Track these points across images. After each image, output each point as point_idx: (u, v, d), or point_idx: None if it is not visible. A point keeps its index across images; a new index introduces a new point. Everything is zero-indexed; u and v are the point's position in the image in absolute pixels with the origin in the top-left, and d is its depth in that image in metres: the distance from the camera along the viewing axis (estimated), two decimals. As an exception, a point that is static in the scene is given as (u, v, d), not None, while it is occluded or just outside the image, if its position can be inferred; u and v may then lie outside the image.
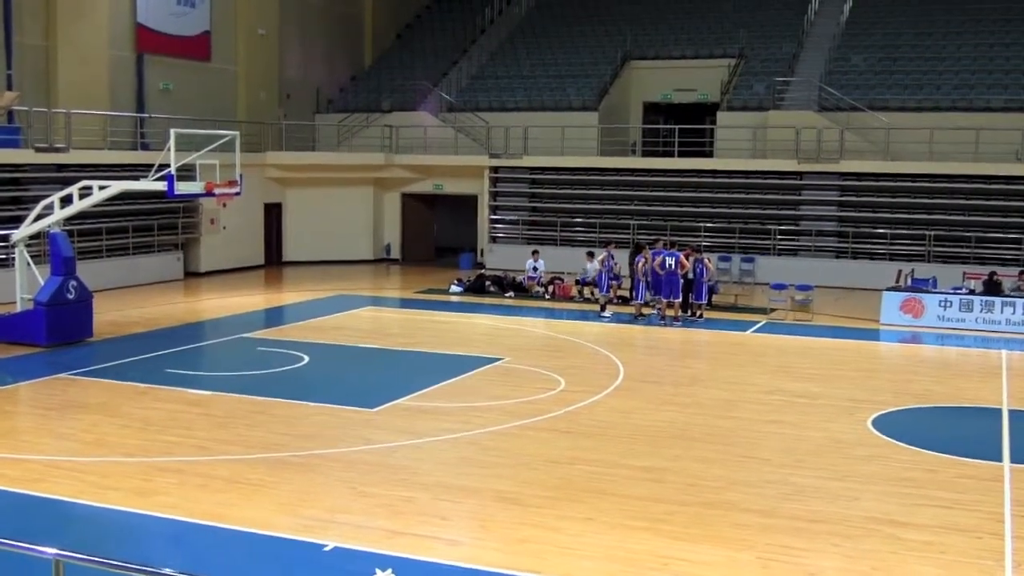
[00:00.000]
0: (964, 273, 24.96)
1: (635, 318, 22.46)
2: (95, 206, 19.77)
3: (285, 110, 35.25)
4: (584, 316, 23.22)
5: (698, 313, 22.63)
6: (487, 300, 25.65)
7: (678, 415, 14.37)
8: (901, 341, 21.38)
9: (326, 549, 9.21)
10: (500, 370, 17.25)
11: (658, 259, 21.97)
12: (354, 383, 16.71)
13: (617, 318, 22.69)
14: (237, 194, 19.48)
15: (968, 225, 27.92)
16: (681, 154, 31.16)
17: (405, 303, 26.04)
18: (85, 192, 18.78)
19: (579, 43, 37.24)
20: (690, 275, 22.24)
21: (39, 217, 18.96)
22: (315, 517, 9.98)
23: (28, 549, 5.53)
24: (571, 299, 25.48)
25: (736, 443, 12.96)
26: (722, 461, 12.12)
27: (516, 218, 32.79)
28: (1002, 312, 21.80)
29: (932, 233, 27.92)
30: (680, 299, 22.16)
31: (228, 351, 19.21)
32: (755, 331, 21.63)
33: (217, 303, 24.70)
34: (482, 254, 32.64)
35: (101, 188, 18.74)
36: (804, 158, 29.36)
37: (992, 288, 22.75)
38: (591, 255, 25.14)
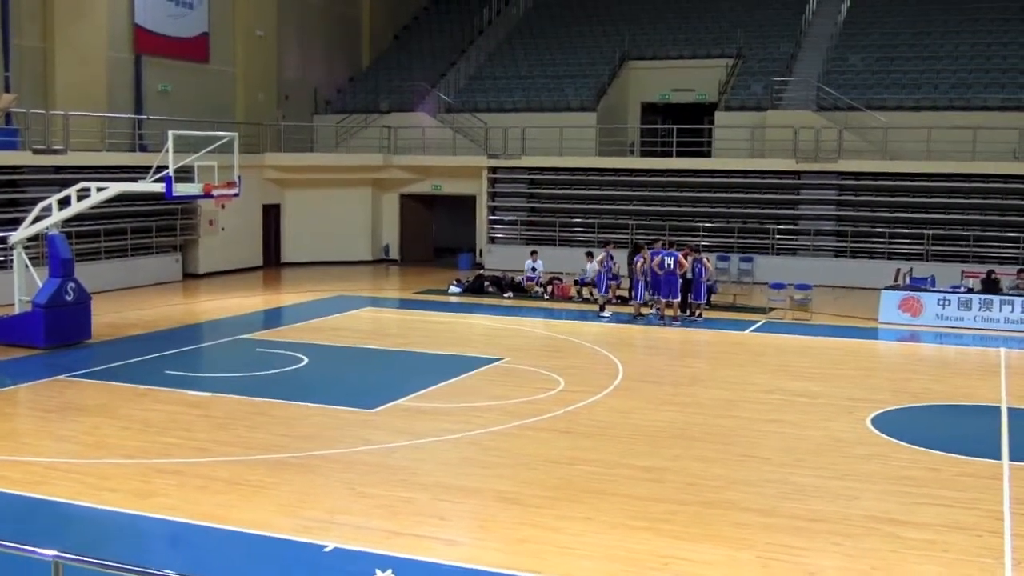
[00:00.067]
0: (962, 272, 24.99)
1: (634, 318, 22.46)
2: (93, 208, 19.75)
3: (283, 111, 35.24)
4: (583, 316, 23.22)
5: (697, 313, 22.63)
6: (486, 300, 25.65)
7: (678, 415, 14.37)
8: (900, 340, 21.39)
9: (326, 550, 9.20)
10: (499, 370, 17.25)
11: (657, 259, 21.97)
12: (353, 384, 16.70)
13: (616, 318, 22.69)
14: (235, 195, 19.47)
15: (966, 224, 27.94)
16: (679, 154, 31.17)
17: (404, 304, 26.04)
18: (83, 194, 18.77)
19: (577, 43, 37.24)
20: (689, 275, 22.25)
21: (37, 219, 18.95)
22: (315, 518, 9.98)
23: (27, 551, 5.52)
24: (570, 299, 25.48)
25: (736, 442, 12.96)
26: (722, 460, 12.12)
27: (515, 218, 32.80)
28: (1000, 310, 21.81)
29: (930, 232, 27.94)
30: (679, 299, 22.16)
31: (227, 352, 19.20)
32: (754, 331, 21.64)
33: (216, 304, 24.69)
34: (481, 254, 32.65)
35: (99, 190, 18.73)
36: (802, 158, 29.37)
37: (990, 286, 22.77)
38: (590, 255, 25.15)
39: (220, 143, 19.07)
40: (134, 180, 19.93)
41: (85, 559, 5.34)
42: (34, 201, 20.32)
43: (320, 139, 35.35)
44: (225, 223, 29.48)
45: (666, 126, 32.60)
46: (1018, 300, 21.77)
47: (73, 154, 25.29)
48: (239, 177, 19.52)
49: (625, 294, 24.04)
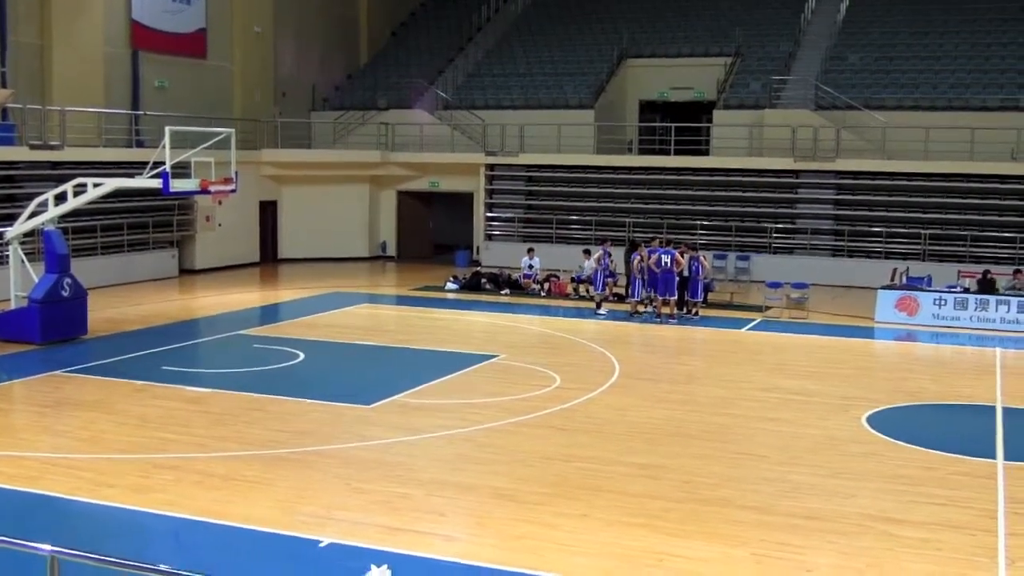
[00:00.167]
0: (959, 271, 25.02)
1: (631, 315, 22.48)
2: (90, 203, 19.75)
3: (280, 108, 35.20)
4: (580, 314, 23.23)
5: (694, 311, 22.65)
6: (483, 297, 25.65)
7: (674, 412, 14.39)
8: (896, 339, 21.42)
9: (322, 545, 9.22)
10: (496, 367, 17.26)
11: (654, 257, 21.98)
12: (350, 380, 16.72)
13: (612, 316, 22.71)
14: (232, 191, 19.47)
15: (963, 224, 27.97)
16: (677, 152, 31.18)
17: (401, 300, 26.04)
18: (80, 190, 18.75)
19: (575, 41, 37.23)
20: (685, 273, 22.26)
21: (33, 215, 18.92)
22: (311, 514, 9.99)
23: (24, 546, 5.53)
24: (567, 297, 25.50)
25: (732, 440, 12.98)
26: (718, 458, 12.14)
27: (512, 216, 32.79)
28: (996, 310, 21.84)
29: (927, 232, 27.97)
30: (676, 297, 22.18)
31: (224, 348, 19.21)
32: (751, 329, 21.66)
33: (213, 300, 24.68)
34: (478, 251, 32.64)
35: (96, 185, 18.72)
36: (800, 157, 29.39)
37: (986, 286, 22.80)
38: (588, 253, 25.15)
39: (217, 139, 19.07)
40: (131, 176, 19.93)
41: (81, 554, 5.35)
42: (30, 197, 20.29)
43: (317, 136, 35.33)
44: (222, 219, 29.47)
45: (664, 124, 32.61)
46: (1014, 300, 21.80)
47: (70, 150, 25.26)
48: (236, 173, 19.51)
49: (622, 292, 24.04)
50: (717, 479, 11.31)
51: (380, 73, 37.69)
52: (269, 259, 32.37)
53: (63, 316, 18.46)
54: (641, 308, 22.60)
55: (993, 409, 14.93)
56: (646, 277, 22.21)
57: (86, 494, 10.47)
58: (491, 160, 32.46)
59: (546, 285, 26.06)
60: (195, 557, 9.10)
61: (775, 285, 24.04)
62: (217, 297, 25.09)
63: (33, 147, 24.61)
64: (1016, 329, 21.44)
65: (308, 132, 35.39)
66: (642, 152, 33.62)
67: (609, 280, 23.87)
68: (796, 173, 29.86)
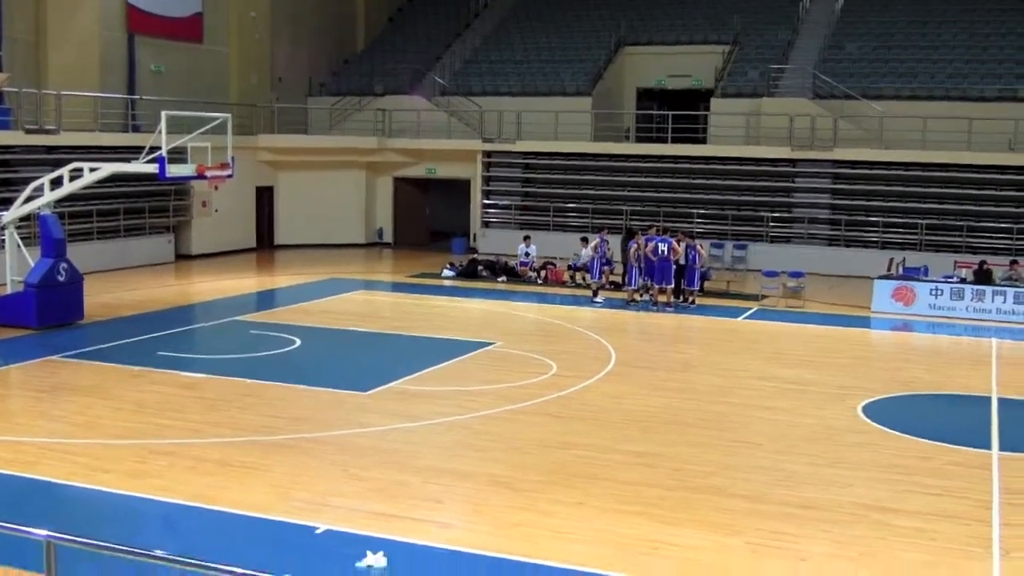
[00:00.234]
0: (955, 262, 25.02)
1: (627, 303, 22.48)
2: (86, 188, 19.68)
3: (277, 93, 35.08)
4: (576, 301, 23.23)
5: (690, 299, 22.65)
6: (480, 285, 25.64)
7: (670, 400, 14.41)
8: (892, 329, 21.44)
9: (318, 532, 9.23)
10: (492, 354, 17.27)
11: (650, 245, 21.97)
12: (346, 366, 16.71)
13: (609, 303, 22.71)
14: (229, 177, 19.42)
15: (960, 214, 27.96)
16: (674, 140, 31.13)
17: (397, 287, 26.01)
18: (76, 174, 18.70)
19: (573, 28, 37.13)
20: (682, 261, 22.26)
21: (29, 199, 18.87)
22: (307, 500, 9.99)
23: (19, 531, 5.52)
24: (563, 284, 25.49)
25: (728, 428, 13.00)
26: (713, 446, 12.16)
27: (509, 203, 32.75)
28: (992, 301, 21.86)
29: (924, 222, 27.96)
30: (672, 285, 22.18)
31: (220, 334, 19.19)
32: (747, 317, 21.67)
33: (209, 286, 24.65)
34: (475, 239, 32.61)
35: (92, 170, 18.66)
36: (797, 145, 29.37)
37: (983, 277, 22.80)
38: (585, 240, 25.13)
39: (213, 124, 19.01)
40: (127, 161, 19.87)
41: (77, 539, 5.35)
42: (26, 181, 20.22)
43: (314, 121, 35.22)
44: (218, 204, 29.40)
45: (661, 112, 32.54)
46: (1010, 291, 21.82)
47: (66, 134, 25.18)
48: (232, 158, 19.46)
49: (618, 280, 24.04)
50: (712, 467, 11.33)
51: (377, 59, 37.57)
52: (265, 245, 32.32)
53: (59, 301, 18.43)
54: (638, 296, 22.60)
55: (989, 399, 14.96)
56: (643, 265, 22.21)
57: (82, 479, 10.47)
58: (488, 147, 32.40)
59: (543, 273, 26.05)
60: (190, 542, 9.11)
61: (772, 274, 24.03)
62: (213, 283, 25.06)
63: (29, 131, 24.53)
64: (1012, 320, 21.46)
65: (305, 117, 35.29)
66: (639, 140, 33.55)
67: (606, 268, 23.86)
68: (793, 162, 29.84)
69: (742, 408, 14.03)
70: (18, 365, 15.77)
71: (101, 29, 28.52)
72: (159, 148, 17.78)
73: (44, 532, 5.34)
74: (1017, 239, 26.97)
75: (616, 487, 10.55)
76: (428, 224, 35.41)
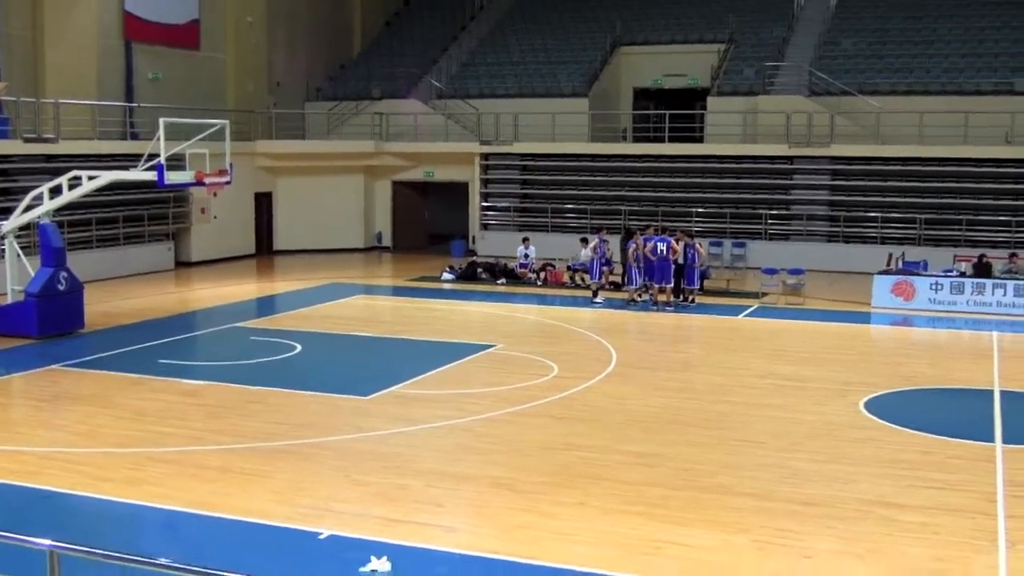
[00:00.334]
0: (955, 256, 25.04)
1: (628, 303, 22.47)
2: (85, 196, 19.68)
3: (275, 98, 35.10)
4: (576, 302, 23.22)
5: (690, 298, 22.64)
6: (479, 287, 25.64)
7: (671, 400, 14.40)
8: (893, 324, 21.44)
9: (321, 537, 9.21)
10: (493, 357, 17.25)
11: (649, 245, 21.97)
12: (347, 371, 16.70)
13: (609, 304, 22.70)
14: (227, 183, 19.41)
15: (958, 208, 27.97)
16: (672, 139, 31.14)
17: (397, 291, 26.01)
18: (74, 182, 18.69)
19: (569, 29, 37.15)
20: (681, 260, 22.25)
21: (28, 208, 18.87)
22: (309, 506, 9.98)
23: (23, 541, 5.52)
24: (563, 285, 25.49)
25: (730, 427, 12.99)
26: (716, 445, 12.15)
27: (507, 205, 32.75)
28: (993, 294, 21.85)
29: (923, 216, 27.97)
30: (672, 284, 22.18)
31: (220, 341, 19.18)
32: (747, 315, 21.67)
33: (209, 293, 24.64)
34: (473, 241, 32.61)
35: (90, 178, 18.65)
36: (795, 143, 29.38)
37: (982, 270, 22.82)
38: (584, 241, 25.12)
39: (211, 131, 19.00)
40: (125, 168, 19.85)
41: (80, 548, 5.34)
42: (25, 190, 20.21)
43: (312, 126, 35.23)
44: (217, 211, 29.39)
45: (658, 111, 32.57)
46: (1010, 284, 21.82)
47: (64, 142, 25.18)
48: (231, 165, 19.45)
49: (618, 280, 24.04)
50: (715, 466, 11.32)
51: (374, 63, 37.59)
52: (265, 251, 32.32)
53: (60, 310, 18.42)
54: (638, 297, 22.59)
55: (991, 393, 14.95)
56: (642, 265, 22.20)
57: (83, 488, 10.45)
58: (486, 149, 32.41)
59: (542, 274, 26.04)
60: (193, 550, 9.09)
61: (771, 271, 24.03)
62: (213, 289, 25.05)
63: (27, 140, 24.54)
64: (1012, 312, 21.46)
65: (302, 123, 35.30)
66: (636, 140, 33.59)
67: (605, 269, 23.86)
68: (791, 159, 29.85)
69: (744, 406, 14.02)
70: (19, 374, 15.76)
71: (98, 37, 28.53)
72: (157, 155, 17.78)
73: (47, 542, 5.33)
74: (1016, 232, 26.98)
75: (618, 487, 10.54)
76: (427, 227, 35.44)
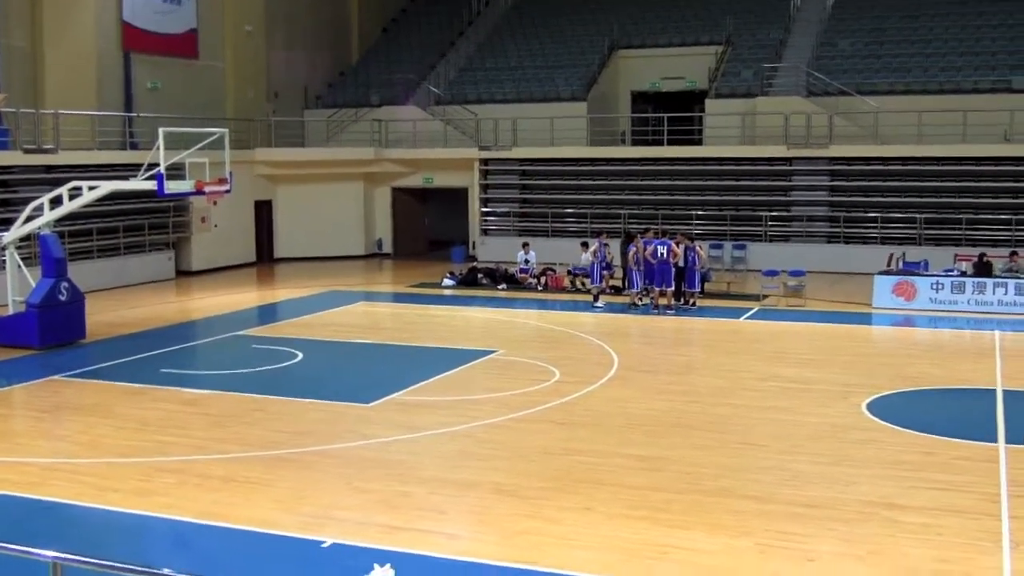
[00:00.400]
0: (955, 255, 25.04)
1: (629, 307, 22.47)
2: (85, 207, 19.71)
3: (273, 106, 35.14)
4: (577, 307, 23.22)
5: (691, 301, 22.64)
6: (480, 293, 25.64)
7: (673, 404, 14.39)
8: (894, 324, 21.43)
9: (324, 545, 9.21)
10: (494, 362, 17.26)
11: (650, 248, 21.97)
12: (349, 379, 16.70)
13: (610, 308, 22.70)
14: (227, 192, 19.45)
15: (958, 207, 27.97)
16: (670, 142, 31.16)
17: (398, 297, 26.01)
18: (75, 193, 18.72)
19: (566, 33, 37.20)
20: (681, 263, 22.24)
21: (29, 219, 18.89)
22: (313, 514, 9.98)
23: (26, 552, 5.52)
24: (564, 290, 25.49)
25: (732, 430, 12.98)
26: (718, 448, 12.15)
27: (507, 210, 32.76)
28: (994, 293, 21.85)
29: (923, 216, 27.97)
30: (673, 287, 22.17)
31: (222, 349, 19.18)
32: (748, 318, 21.66)
33: (210, 302, 24.65)
34: (474, 247, 32.62)
35: (91, 189, 18.68)
36: (793, 144, 29.39)
37: (983, 269, 22.81)
38: (585, 245, 25.12)
39: (211, 139, 19.03)
40: (125, 178, 19.89)
41: (84, 559, 5.33)
42: (25, 201, 20.25)
43: (311, 134, 35.28)
44: (217, 220, 29.43)
45: (657, 115, 32.59)
46: (1011, 282, 21.81)
47: (64, 153, 25.22)
48: (230, 173, 19.48)
49: (619, 284, 24.04)
50: (718, 469, 11.31)
51: (372, 70, 37.65)
52: (265, 259, 32.34)
53: (61, 320, 18.43)
54: (638, 301, 22.59)
55: (993, 392, 14.94)
56: (643, 268, 22.20)
57: (87, 499, 10.46)
58: (485, 155, 32.44)
59: (543, 279, 26.04)
60: (198, 560, 9.09)
61: (772, 273, 24.04)
62: (214, 298, 25.06)
63: (27, 151, 24.58)
64: (1014, 311, 21.45)
65: (301, 130, 35.35)
66: (635, 143, 33.60)
67: (606, 272, 23.86)
68: (790, 160, 29.86)
69: (746, 409, 14.01)
70: (21, 385, 15.77)
71: (97, 48, 28.58)
72: (157, 165, 17.81)
73: (51, 553, 5.33)
74: (1016, 230, 26.98)
75: (622, 492, 10.53)
76: (427, 233, 35.47)
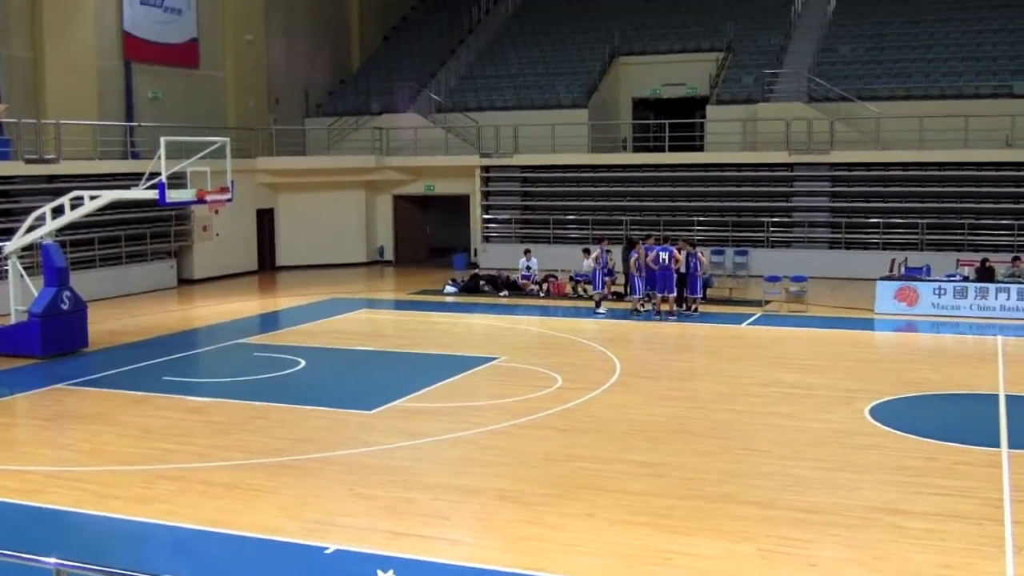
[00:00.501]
0: (957, 260, 25.01)
1: (631, 313, 22.47)
2: (87, 216, 19.72)
3: (274, 115, 35.21)
4: (579, 313, 23.22)
5: (693, 307, 22.64)
6: (482, 300, 25.66)
7: (676, 409, 14.38)
8: (896, 330, 21.42)
9: (327, 552, 9.21)
10: (497, 369, 17.26)
11: (651, 254, 21.98)
12: (351, 386, 16.71)
13: (612, 314, 22.70)
14: (229, 200, 19.45)
15: (960, 212, 27.97)
16: (672, 149, 31.19)
17: (400, 305, 26.03)
18: (76, 202, 18.74)
19: (567, 40, 37.26)
20: (683, 269, 22.25)
21: (31, 229, 18.92)
22: (316, 520, 9.98)
23: (29, 559, 5.52)
24: (565, 296, 25.49)
25: (734, 436, 12.97)
26: (720, 454, 12.14)
27: (508, 217, 32.79)
28: (996, 298, 21.84)
29: (924, 221, 27.97)
30: (675, 294, 22.17)
31: (224, 357, 19.19)
32: (750, 324, 21.66)
33: (212, 310, 24.67)
34: (475, 254, 32.64)
35: (92, 198, 18.70)
36: (795, 150, 29.41)
37: (985, 274, 22.79)
38: (587, 252, 25.12)
39: (212, 148, 19.04)
40: (127, 187, 19.94)
41: (86, 566, 5.34)
42: (27, 211, 20.30)
43: (312, 142, 35.33)
44: (219, 228, 29.45)
45: (658, 121, 32.64)
46: (1013, 287, 21.80)
47: (65, 163, 25.26)
48: (232, 182, 19.50)
49: (621, 290, 24.05)
50: (720, 475, 11.30)
51: (373, 78, 37.71)
52: (267, 267, 32.37)
53: (63, 329, 18.45)
54: (640, 307, 22.59)
55: (996, 397, 14.93)
56: (644, 275, 22.21)
57: (89, 506, 10.46)
58: (486, 162, 32.47)
59: (545, 286, 26.05)
60: (201, 567, 9.10)
61: (774, 279, 24.05)
62: (216, 306, 25.08)
63: (29, 161, 24.61)
64: (1016, 316, 21.43)
65: (302, 139, 35.40)
66: (636, 150, 33.63)
67: (608, 279, 23.87)
68: (791, 166, 29.87)
69: (748, 415, 14.01)
70: (23, 394, 15.79)
71: (98, 58, 28.64)
72: (159, 174, 17.82)
73: (53, 560, 5.34)
74: (1018, 235, 26.97)
75: (624, 498, 10.53)
76: (429, 241, 35.50)
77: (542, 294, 25.82)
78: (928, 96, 29.45)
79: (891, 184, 29.00)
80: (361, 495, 10.74)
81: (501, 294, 26.04)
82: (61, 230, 19.75)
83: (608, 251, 23.95)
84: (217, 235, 29.74)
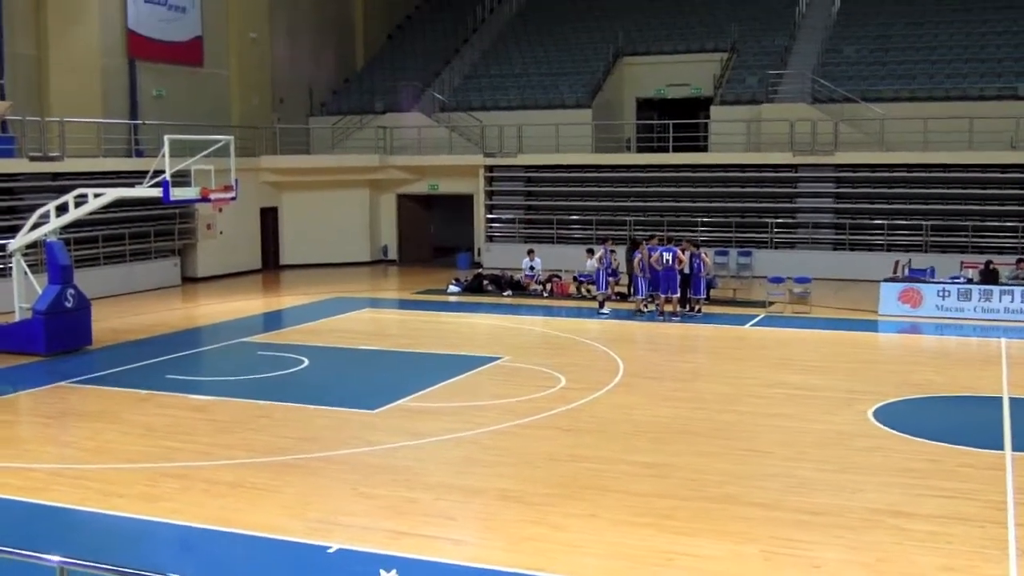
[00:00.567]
0: (961, 262, 24.97)
1: (635, 314, 22.46)
2: (91, 214, 19.76)
3: (279, 114, 35.23)
4: (582, 313, 23.22)
5: (696, 308, 22.62)
6: (485, 299, 25.65)
7: (679, 410, 14.38)
8: (900, 332, 21.39)
9: (330, 551, 9.22)
10: (500, 369, 17.26)
11: (655, 255, 21.97)
12: (355, 385, 16.72)
13: (616, 315, 22.69)
14: (233, 199, 19.46)
15: (964, 214, 27.94)
16: (675, 149, 31.18)
17: (403, 304, 26.04)
18: (80, 200, 18.76)
19: (571, 40, 37.25)
20: (687, 270, 22.23)
21: (35, 226, 18.94)
22: (319, 519, 9.99)
23: (32, 557, 5.53)
24: (569, 296, 25.49)
25: (738, 437, 12.96)
26: (724, 455, 12.13)
27: (512, 217, 32.79)
28: (1000, 300, 21.81)
29: (928, 223, 27.93)
30: (678, 294, 22.16)
31: (228, 356, 19.20)
32: (754, 325, 21.65)
33: (215, 308, 24.69)
34: (479, 253, 32.64)
35: (96, 196, 18.73)
36: (799, 151, 29.38)
37: (989, 276, 22.75)
38: (590, 252, 25.10)
39: (216, 147, 19.07)
40: (131, 185, 19.96)
41: (90, 564, 5.34)
42: (32, 208, 20.32)
43: (316, 141, 35.34)
44: (223, 227, 29.46)
45: (662, 121, 32.63)
46: (1018, 290, 21.76)
47: (69, 160, 25.29)
48: (236, 180, 19.49)
49: (624, 290, 24.04)
50: (724, 476, 11.29)
51: (377, 77, 37.72)
52: (271, 266, 32.39)
53: (67, 327, 18.47)
54: (643, 308, 22.57)
55: (1000, 400, 14.91)
56: (648, 275, 22.20)
57: (93, 504, 10.47)
58: (490, 161, 32.47)
59: (548, 286, 26.05)
60: (204, 566, 9.10)
61: (777, 280, 24.03)
62: (220, 305, 25.10)
63: (33, 159, 24.64)
64: (1020, 319, 21.39)
65: (307, 137, 35.41)
66: (640, 150, 33.62)
67: (611, 279, 23.85)
68: (795, 167, 29.84)
69: (751, 416, 14.00)
70: (27, 392, 15.81)
71: (102, 56, 28.67)
72: (163, 172, 17.85)
73: (57, 558, 5.34)
74: (1023, 237, 26.92)
75: (627, 499, 10.53)
76: (432, 240, 35.50)
77: (545, 294, 25.82)
78: (932, 97, 29.41)
79: (895, 185, 28.96)
80: (364, 494, 10.75)
81: (505, 294, 26.04)
82: (65, 228, 19.77)
83: (612, 251, 23.93)
84: (221, 233, 29.76)
